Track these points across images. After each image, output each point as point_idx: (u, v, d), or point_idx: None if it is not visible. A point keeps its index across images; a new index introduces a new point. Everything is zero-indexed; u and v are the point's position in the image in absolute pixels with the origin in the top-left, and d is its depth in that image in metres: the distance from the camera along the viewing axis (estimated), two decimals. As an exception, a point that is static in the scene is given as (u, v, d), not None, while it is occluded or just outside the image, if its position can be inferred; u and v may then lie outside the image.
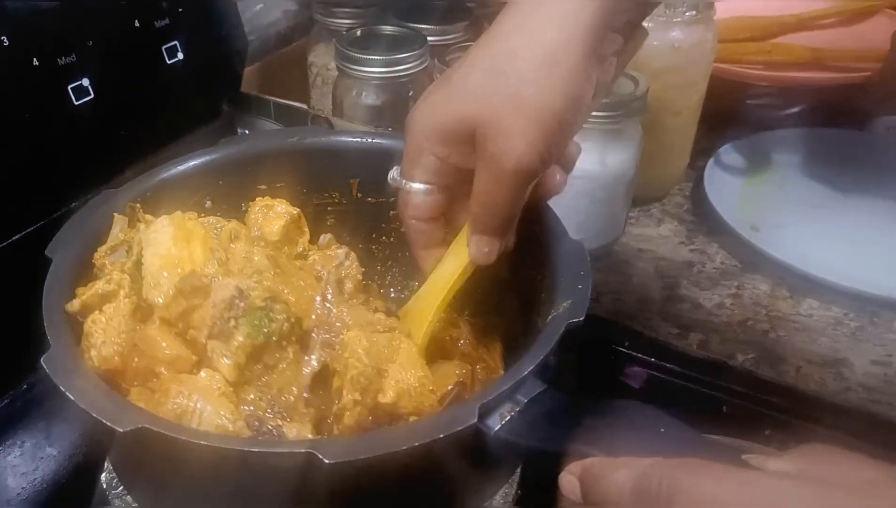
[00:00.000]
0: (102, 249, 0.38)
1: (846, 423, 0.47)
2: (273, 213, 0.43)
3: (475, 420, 0.29)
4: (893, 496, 0.23)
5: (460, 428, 0.29)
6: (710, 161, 0.69)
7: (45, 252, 0.36)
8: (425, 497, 0.33)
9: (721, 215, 0.62)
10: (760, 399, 0.48)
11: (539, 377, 0.33)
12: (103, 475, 0.42)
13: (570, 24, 0.34)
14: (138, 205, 0.40)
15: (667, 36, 0.59)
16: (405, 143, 0.38)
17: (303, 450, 0.28)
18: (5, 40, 0.42)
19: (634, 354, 0.51)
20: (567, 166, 0.40)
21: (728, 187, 0.67)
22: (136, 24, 0.49)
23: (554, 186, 0.39)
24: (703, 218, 0.64)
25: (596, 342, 0.52)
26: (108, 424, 0.28)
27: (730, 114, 0.72)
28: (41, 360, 0.31)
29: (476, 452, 0.31)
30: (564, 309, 0.36)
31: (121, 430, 0.28)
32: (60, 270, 0.36)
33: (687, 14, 0.58)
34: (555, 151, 0.35)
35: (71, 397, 0.29)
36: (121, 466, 0.39)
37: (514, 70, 0.34)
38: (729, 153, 0.71)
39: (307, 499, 0.30)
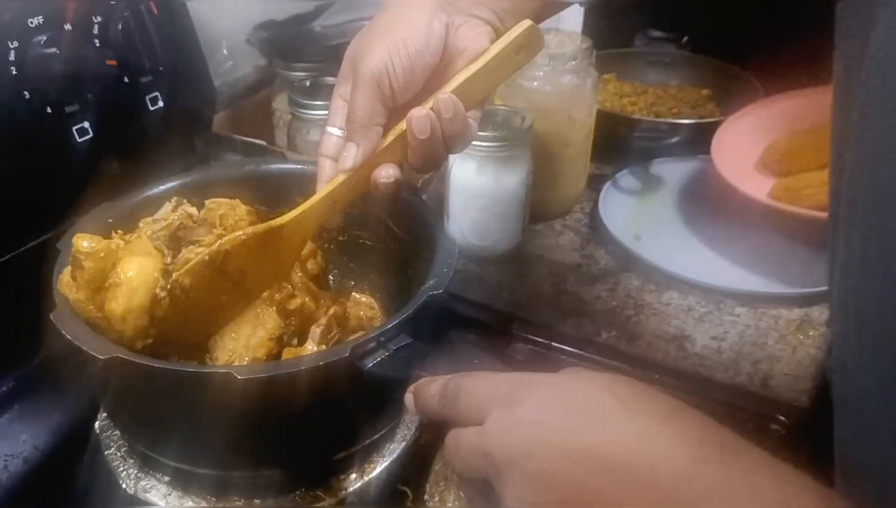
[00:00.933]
0: (147, 220, 0.51)
1: (682, 384, 0.59)
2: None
3: (346, 355, 0.42)
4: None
5: (335, 359, 0.42)
6: (608, 184, 0.82)
7: (56, 246, 0.49)
8: (321, 415, 0.46)
9: (608, 227, 0.75)
10: (617, 367, 0.61)
11: (406, 331, 0.46)
12: (97, 422, 0.55)
13: None
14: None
15: (554, 81, 0.73)
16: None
17: (223, 370, 0.41)
18: (27, 94, 0.56)
19: (520, 334, 0.64)
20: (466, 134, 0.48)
21: (621, 206, 0.80)
22: (126, 80, 0.63)
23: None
24: (595, 231, 0.78)
25: (492, 326, 0.66)
26: (92, 353, 0.41)
27: (625, 145, 0.86)
28: (50, 315, 0.44)
29: (356, 382, 0.44)
30: (430, 285, 0.49)
31: (101, 357, 0.41)
32: (66, 258, 0.49)
33: (569, 63, 0.73)
34: (399, 70, 0.45)
35: (69, 337, 0.42)
36: (106, 400, 0.51)
37: (382, 16, 0.47)
38: (624, 177, 0.84)
39: (230, 406, 0.43)
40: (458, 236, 0.70)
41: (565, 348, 0.62)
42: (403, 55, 0.45)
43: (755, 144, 0.80)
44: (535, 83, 0.73)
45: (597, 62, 0.76)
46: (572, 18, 1.03)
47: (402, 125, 0.47)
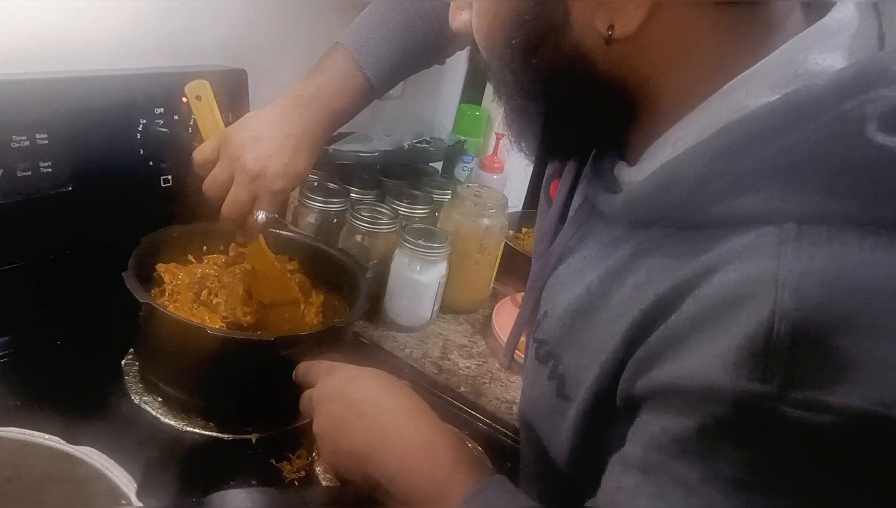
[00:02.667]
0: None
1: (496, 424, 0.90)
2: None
3: (272, 340, 0.75)
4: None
5: (263, 339, 0.75)
6: (505, 299, 1.16)
7: (133, 254, 0.82)
8: (245, 373, 0.77)
9: (493, 323, 1.08)
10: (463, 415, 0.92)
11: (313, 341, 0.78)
12: (124, 359, 0.87)
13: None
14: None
15: (475, 219, 1.08)
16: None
17: (199, 324, 0.73)
18: (141, 151, 0.92)
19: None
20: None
21: (510, 316, 1.13)
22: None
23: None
24: (485, 327, 1.10)
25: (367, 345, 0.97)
26: (136, 296, 0.74)
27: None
28: (122, 274, 0.77)
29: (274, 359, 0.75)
30: (341, 319, 0.82)
31: (141, 300, 0.74)
32: (137, 256, 0.83)
33: (488, 211, 1.08)
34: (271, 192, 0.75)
35: (128, 286, 0.75)
36: (136, 343, 0.84)
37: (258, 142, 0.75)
38: (515, 296, 1.18)
39: (202, 352, 0.74)
40: (388, 306, 1.04)
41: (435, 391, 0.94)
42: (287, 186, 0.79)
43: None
44: (463, 218, 1.08)
45: (526, 216, 1.12)
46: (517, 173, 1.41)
47: None
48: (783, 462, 0.40)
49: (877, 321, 0.38)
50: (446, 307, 1.10)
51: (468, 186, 1.16)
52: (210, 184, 0.77)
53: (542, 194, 0.69)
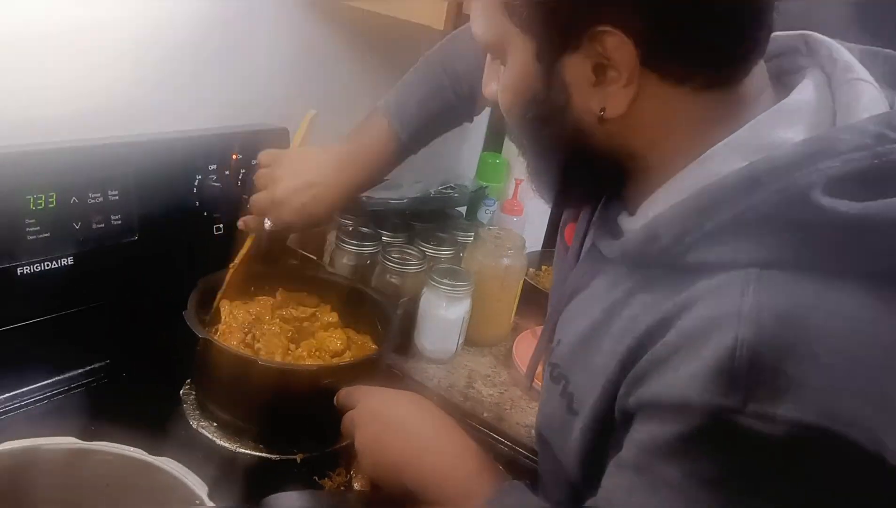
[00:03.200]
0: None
1: (511, 444, 0.98)
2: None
3: (315, 369, 0.84)
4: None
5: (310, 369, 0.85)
6: (525, 332, 1.24)
7: (192, 294, 0.93)
8: (293, 401, 0.86)
9: (514, 357, 1.17)
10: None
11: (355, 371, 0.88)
12: (182, 389, 0.97)
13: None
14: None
15: (496, 260, 1.18)
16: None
17: (252, 356, 0.84)
18: (197, 204, 1.03)
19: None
20: None
21: (528, 343, 1.22)
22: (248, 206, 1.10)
23: None
24: (507, 358, 1.19)
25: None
26: (194, 330, 0.84)
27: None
28: (182, 313, 0.87)
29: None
30: (376, 351, 0.91)
31: (199, 335, 0.84)
32: (194, 299, 0.93)
33: (508, 251, 1.18)
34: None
35: (187, 321, 0.86)
36: (194, 374, 0.94)
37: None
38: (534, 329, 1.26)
39: (253, 381, 0.84)
40: (417, 339, 1.14)
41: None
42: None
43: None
44: (485, 258, 1.18)
45: (545, 255, 1.21)
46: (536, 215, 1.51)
47: None
48: (745, 463, 0.48)
49: (816, 351, 0.47)
50: (471, 341, 1.19)
51: (490, 229, 1.26)
52: (257, 176, 0.96)
53: (558, 237, 0.79)
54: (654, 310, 0.54)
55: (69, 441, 0.61)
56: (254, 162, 1.10)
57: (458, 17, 0.98)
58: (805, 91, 0.56)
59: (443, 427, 0.71)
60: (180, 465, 0.62)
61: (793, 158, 0.50)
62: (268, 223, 0.94)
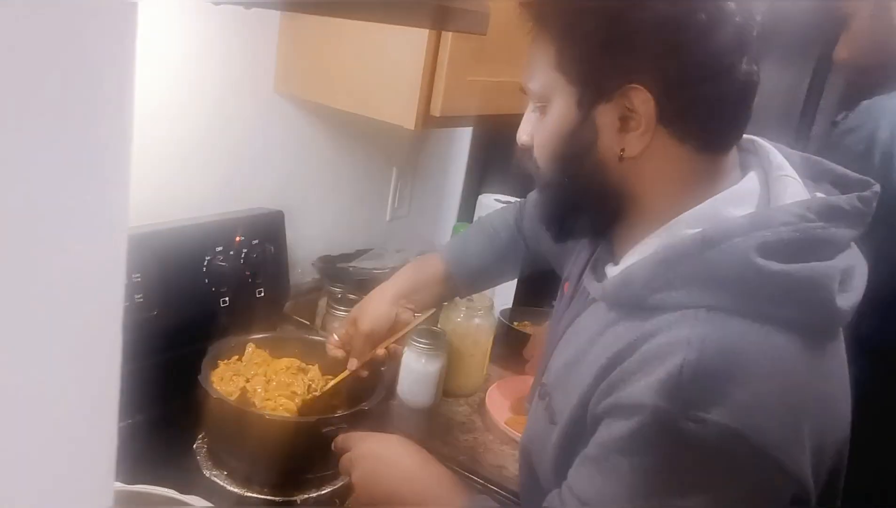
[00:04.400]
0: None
1: (477, 482, 1.13)
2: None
3: (315, 421, 1.00)
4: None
5: (309, 421, 1.00)
6: (498, 382, 1.40)
7: (204, 360, 1.09)
8: (300, 449, 1.02)
9: (487, 406, 1.32)
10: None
11: (346, 421, 1.04)
12: (195, 443, 1.12)
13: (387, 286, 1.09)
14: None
15: (469, 319, 1.34)
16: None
17: (259, 412, 0.99)
18: (207, 281, 1.20)
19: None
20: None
21: (499, 393, 1.37)
22: (250, 281, 1.27)
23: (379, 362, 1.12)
24: (481, 407, 1.34)
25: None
26: (208, 391, 0.99)
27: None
28: (198, 377, 1.03)
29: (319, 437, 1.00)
30: (364, 405, 1.07)
31: (213, 396, 0.99)
32: (206, 363, 1.09)
33: (478, 312, 1.34)
34: (372, 334, 1.07)
35: (202, 383, 1.01)
36: (207, 428, 1.09)
37: (369, 299, 1.10)
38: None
39: (260, 435, 0.99)
40: (400, 391, 1.29)
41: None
42: (377, 326, 1.08)
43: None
44: (458, 318, 1.35)
45: (515, 312, 1.38)
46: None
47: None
48: (679, 456, 0.62)
49: (742, 375, 0.62)
50: (448, 392, 1.35)
51: (462, 292, 1.43)
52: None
53: (559, 291, 0.95)
54: (624, 338, 0.68)
55: (121, 486, 0.76)
56: (255, 241, 1.28)
57: (427, 117, 1.17)
58: (751, 182, 0.71)
59: (424, 461, 0.87)
60: (206, 501, 0.77)
61: (736, 227, 0.65)
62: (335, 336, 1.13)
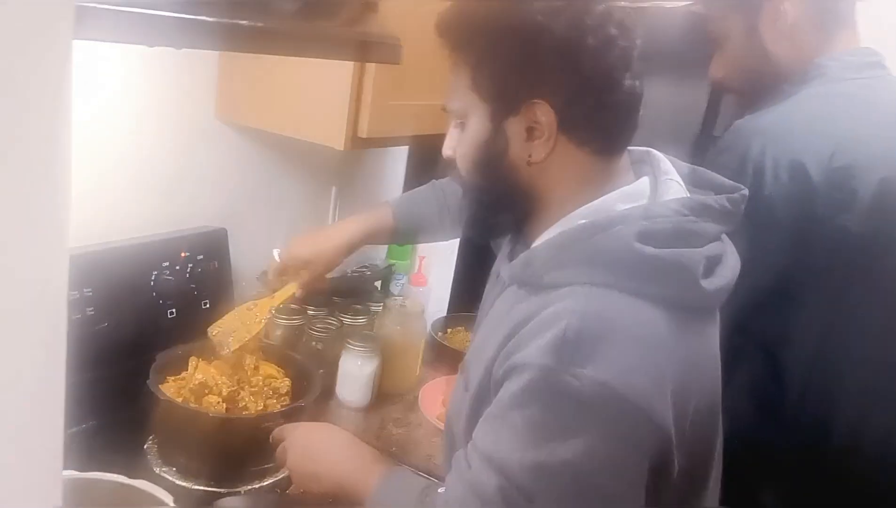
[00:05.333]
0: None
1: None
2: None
3: (255, 416, 1.10)
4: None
5: (249, 417, 1.11)
6: (429, 382, 1.52)
7: (152, 367, 1.18)
8: (241, 442, 1.12)
9: (420, 402, 1.44)
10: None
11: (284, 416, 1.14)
12: (146, 444, 1.21)
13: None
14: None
15: (401, 323, 1.46)
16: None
17: (202, 409, 1.09)
18: (154, 295, 1.30)
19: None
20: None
21: (434, 390, 1.49)
22: (195, 293, 1.37)
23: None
24: (414, 404, 1.46)
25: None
26: (156, 394, 1.09)
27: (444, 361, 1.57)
28: (146, 381, 1.12)
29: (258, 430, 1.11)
30: (300, 401, 1.18)
31: (161, 398, 1.09)
32: (154, 369, 1.18)
33: (410, 316, 1.46)
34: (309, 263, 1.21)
35: (151, 388, 1.11)
36: (157, 429, 1.18)
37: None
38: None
39: (203, 431, 1.09)
40: (338, 392, 1.40)
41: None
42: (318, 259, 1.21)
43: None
44: (391, 323, 1.46)
45: (451, 319, 1.51)
46: (441, 286, 1.80)
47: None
48: (559, 407, 0.71)
49: (615, 338, 0.73)
50: (384, 392, 1.46)
51: (395, 299, 1.55)
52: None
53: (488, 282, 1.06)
54: (525, 311, 0.78)
55: (71, 474, 0.86)
56: (199, 257, 1.38)
57: (355, 138, 1.29)
58: (641, 184, 0.82)
59: (347, 441, 0.98)
60: (152, 484, 0.87)
61: (621, 217, 0.77)
62: (275, 253, 1.25)
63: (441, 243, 1.62)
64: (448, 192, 1.25)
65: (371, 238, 1.26)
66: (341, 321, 1.46)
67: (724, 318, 0.86)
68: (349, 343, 1.38)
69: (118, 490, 0.87)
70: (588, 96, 0.79)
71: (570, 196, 0.82)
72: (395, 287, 1.77)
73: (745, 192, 0.85)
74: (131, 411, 1.20)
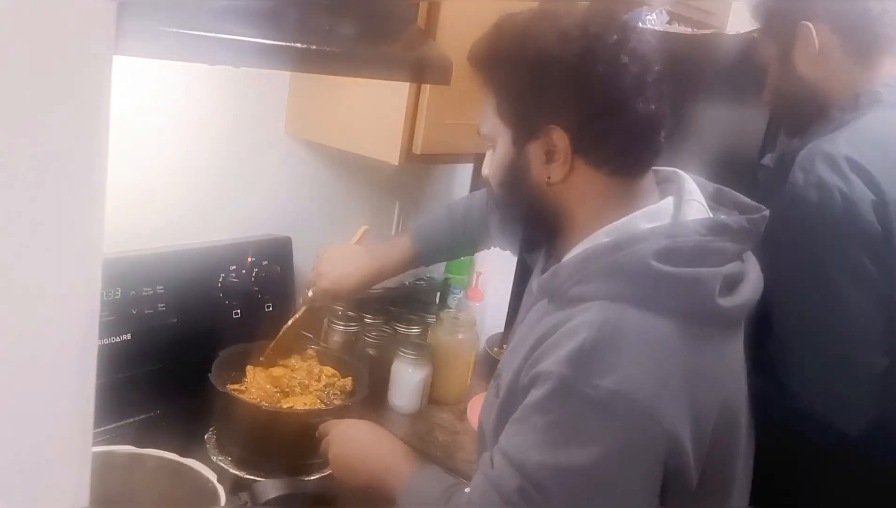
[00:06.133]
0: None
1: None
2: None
3: (305, 412, 1.17)
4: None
5: (298, 412, 1.17)
6: (481, 393, 1.55)
7: (216, 362, 1.27)
8: (294, 436, 1.18)
9: (468, 414, 1.47)
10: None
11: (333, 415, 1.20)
12: (206, 434, 1.29)
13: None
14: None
15: (452, 333, 1.50)
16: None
17: (258, 402, 1.16)
18: (221, 295, 1.39)
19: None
20: None
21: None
22: (259, 296, 1.45)
23: None
24: (463, 413, 1.49)
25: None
26: (217, 386, 1.17)
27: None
28: (209, 374, 1.20)
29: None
30: (354, 398, 1.23)
31: (220, 389, 1.17)
32: (217, 365, 1.27)
33: (462, 328, 1.50)
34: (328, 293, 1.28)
35: (212, 380, 1.19)
36: (216, 421, 1.26)
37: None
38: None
39: (261, 424, 1.16)
40: (390, 398, 1.45)
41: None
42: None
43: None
44: (443, 334, 1.51)
45: (505, 335, 1.54)
46: (496, 303, 1.83)
47: None
48: (578, 414, 0.75)
49: (631, 350, 0.76)
50: (434, 400, 1.51)
51: (449, 312, 1.60)
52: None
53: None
54: (551, 323, 0.82)
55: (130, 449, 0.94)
56: (265, 262, 1.46)
57: (409, 154, 1.35)
58: (665, 204, 0.85)
59: (383, 439, 1.04)
60: (200, 463, 0.94)
61: (642, 236, 0.81)
62: (310, 292, 1.31)
63: (499, 261, 1.67)
64: (472, 206, 1.30)
65: (392, 272, 1.31)
66: (395, 329, 1.52)
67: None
68: (401, 351, 1.43)
69: (169, 465, 0.94)
70: (599, 121, 0.82)
71: (594, 215, 0.86)
72: (451, 301, 1.82)
73: (766, 213, 0.87)
74: (195, 402, 1.29)
